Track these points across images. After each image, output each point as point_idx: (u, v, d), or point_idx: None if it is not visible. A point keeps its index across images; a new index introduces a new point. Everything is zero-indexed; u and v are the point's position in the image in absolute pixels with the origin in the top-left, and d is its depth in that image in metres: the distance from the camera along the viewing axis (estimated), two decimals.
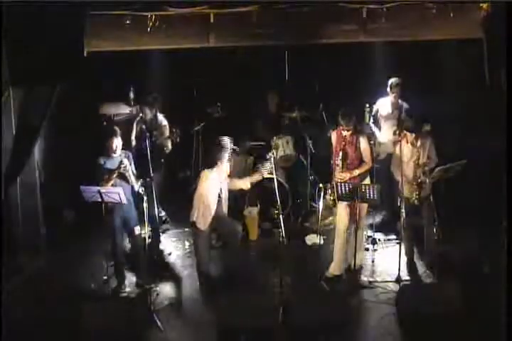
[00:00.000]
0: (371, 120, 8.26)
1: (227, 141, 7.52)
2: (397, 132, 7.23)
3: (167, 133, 8.22)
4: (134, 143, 7.97)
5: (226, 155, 7.41)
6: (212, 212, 7.29)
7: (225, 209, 7.49)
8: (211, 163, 7.38)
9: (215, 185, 7.31)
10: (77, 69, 7.57)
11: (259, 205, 8.54)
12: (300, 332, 6.27)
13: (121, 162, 7.06)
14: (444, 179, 7.18)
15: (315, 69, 9.62)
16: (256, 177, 7.69)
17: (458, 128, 8.78)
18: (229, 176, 7.52)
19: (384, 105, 8.41)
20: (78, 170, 8.10)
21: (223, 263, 7.68)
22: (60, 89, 7.39)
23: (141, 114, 8.21)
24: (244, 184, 7.62)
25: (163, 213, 8.54)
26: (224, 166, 7.38)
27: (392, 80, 8.29)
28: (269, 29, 7.92)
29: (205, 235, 7.39)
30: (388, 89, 8.29)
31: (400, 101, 8.33)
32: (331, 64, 9.52)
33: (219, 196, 7.37)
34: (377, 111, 8.40)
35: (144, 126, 7.98)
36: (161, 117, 8.28)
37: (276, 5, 7.65)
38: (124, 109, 8.81)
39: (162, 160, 8.25)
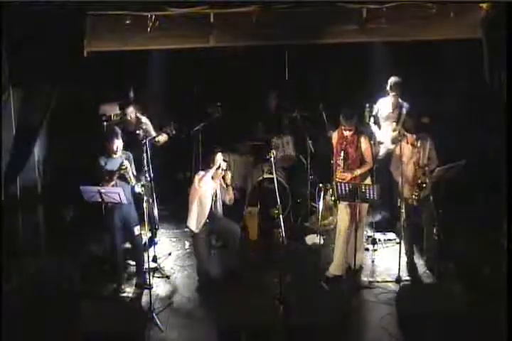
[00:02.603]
0: (371, 120, 8.25)
1: (220, 156, 7.46)
2: (398, 131, 7.22)
3: (151, 130, 8.20)
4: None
5: (220, 157, 7.39)
6: (207, 214, 7.30)
7: (220, 209, 7.50)
8: (206, 164, 7.38)
9: (209, 187, 7.31)
10: (77, 69, 7.56)
11: (259, 205, 8.54)
12: (300, 332, 6.27)
13: (121, 163, 7.05)
14: (444, 179, 7.17)
15: (315, 69, 9.62)
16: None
17: (458, 128, 8.78)
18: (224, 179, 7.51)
19: (384, 105, 8.40)
20: (78, 170, 8.10)
21: (223, 263, 7.67)
22: (60, 89, 7.39)
23: (125, 116, 8.20)
24: (230, 197, 7.61)
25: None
26: (218, 168, 7.38)
27: (391, 80, 8.28)
28: (269, 29, 7.92)
29: (204, 236, 7.40)
30: (388, 88, 8.28)
31: (400, 101, 8.32)
32: (331, 64, 9.52)
33: (214, 197, 7.37)
34: (377, 111, 8.39)
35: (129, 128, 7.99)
36: (140, 115, 8.27)
37: (276, 5, 7.64)
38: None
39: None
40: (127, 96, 8.75)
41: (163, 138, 8.18)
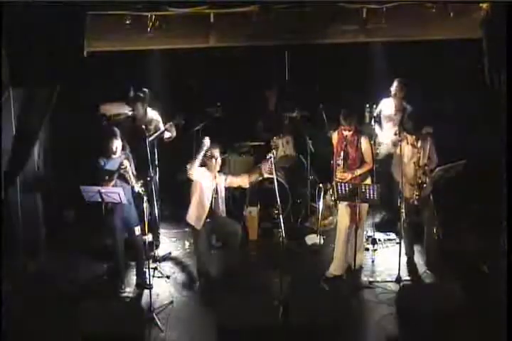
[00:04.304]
0: (373, 120, 8.21)
1: (207, 140, 7.37)
2: (398, 133, 7.22)
3: (161, 126, 8.17)
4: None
5: (217, 154, 7.36)
6: (207, 211, 7.29)
7: (222, 208, 7.47)
8: (203, 161, 7.36)
9: (208, 184, 7.30)
10: (77, 69, 7.56)
11: (259, 205, 8.54)
12: (300, 332, 6.26)
13: (121, 163, 7.05)
14: (444, 179, 7.17)
15: (315, 69, 9.62)
16: (255, 177, 7.65)
17: (458, 128, 8.78)
18: (221, 172, 7.48)
19: (387, 106, 8.37)
20: (78, 170, 8.10)
21: (223, 263, 7.67)
22: (60, 89, 7.38)
23: (133, 111, 8.17)
24: (243, 181, 7.57)
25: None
26: (216, 164, 7.35)
27: (396, 81, 8.24)
28: (269, 29, 7.92)
29: (204, 235, 7.40)
30: (392, 89, 8.25)
31: (403, 103, 8.28)
32: (331, 64, 9.52)
33: (215, 194, 7.36)
34: (379, 112, 8.36)
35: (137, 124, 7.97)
36: (151, 112, 8.24)
37: (276, 5, 7.64)
38: (124, 109, 8.80)
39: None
40: (127, 96, 8.72)
41: (173, 132, 8.14)
